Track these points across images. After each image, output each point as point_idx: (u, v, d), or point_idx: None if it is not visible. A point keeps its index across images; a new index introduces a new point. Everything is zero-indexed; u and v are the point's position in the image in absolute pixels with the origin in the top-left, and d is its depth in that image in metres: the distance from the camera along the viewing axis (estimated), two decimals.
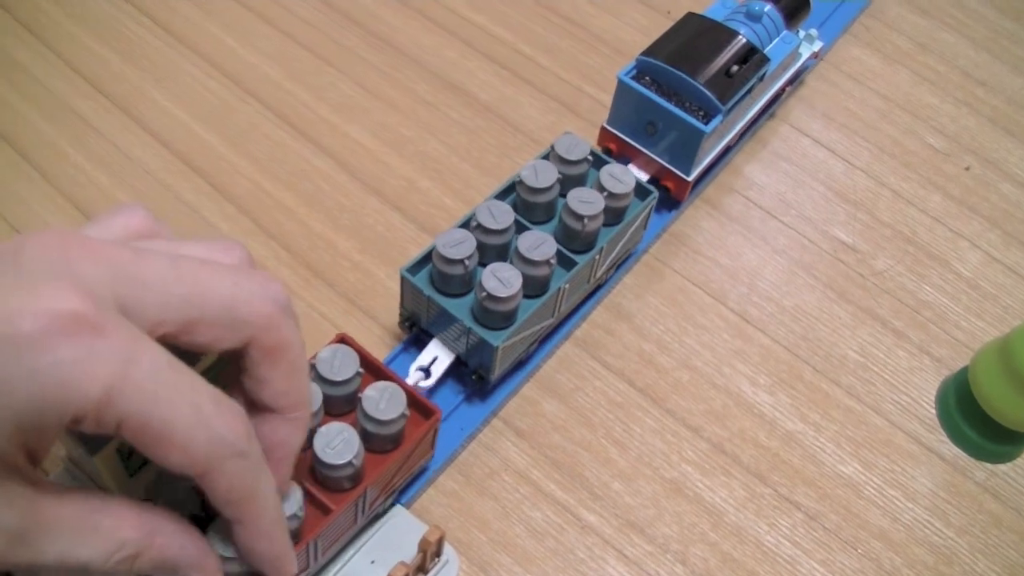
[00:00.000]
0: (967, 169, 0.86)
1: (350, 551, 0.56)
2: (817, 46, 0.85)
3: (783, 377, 0.70)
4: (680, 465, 0.65)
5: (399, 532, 0.57)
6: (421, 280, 0.62)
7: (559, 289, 0.63)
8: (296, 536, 0.50)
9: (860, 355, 0.72)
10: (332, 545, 0.55)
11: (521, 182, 0.65)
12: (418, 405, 0.56)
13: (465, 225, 0.63)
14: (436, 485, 0.62)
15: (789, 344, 0.72)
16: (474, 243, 0.61)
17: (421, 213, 0.75)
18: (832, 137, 0.86)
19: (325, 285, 0.70)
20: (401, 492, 0.59)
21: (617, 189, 0.65)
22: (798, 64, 0.83)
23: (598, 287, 0.71)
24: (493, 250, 0.63)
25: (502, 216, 0.63)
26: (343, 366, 0.55)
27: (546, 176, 0.65)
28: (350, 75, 0.83)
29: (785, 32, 0.78)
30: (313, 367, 0.55)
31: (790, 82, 0.83)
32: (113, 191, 0.73)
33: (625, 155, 0.75)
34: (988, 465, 0.69)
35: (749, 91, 0.73)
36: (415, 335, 0.66)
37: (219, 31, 0.85)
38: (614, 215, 0.66)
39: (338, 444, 0.51)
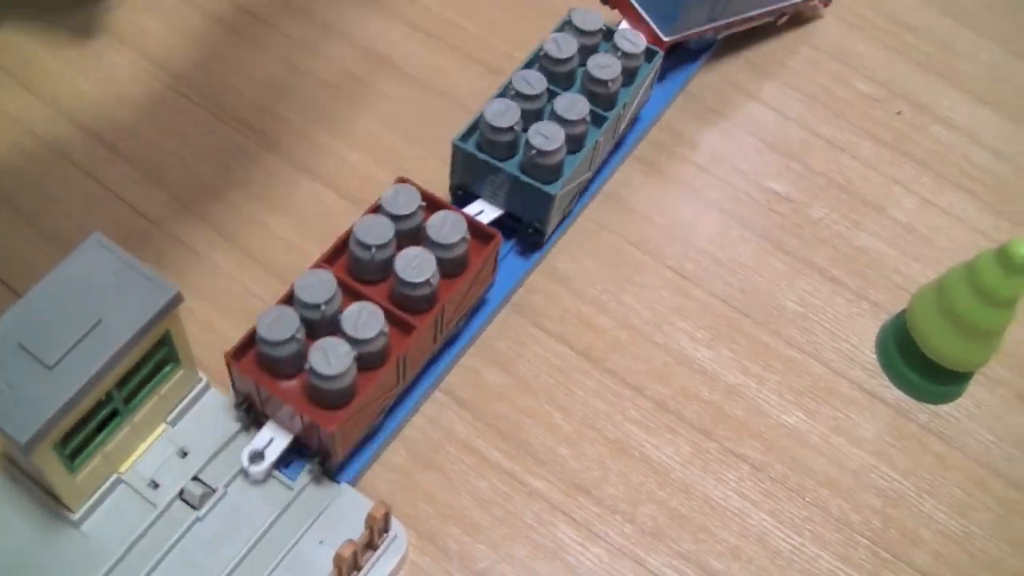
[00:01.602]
0: (899, 114, 0.86)
1: (298, 532, 0.56)
2: None
3: (722, 331, 0.70)
4: (624, 425, 0.65)
5: (346, 511, 0.57)
6: (471, 146, 0.67)
7: (595, 142, 0.69)
8: (384, 355, 0.56)
9: (799, 305, 0.73)
10: (416, 365, 0.60)
11: (545, 55, 0.71)
12: (478, 232, 0.62)
13: (502, 95, 0.69)
14: (381, 461, 0.61)
15: (727, 297, 0.72)
16: (518, 111, 0.66)
17: (354, 187, 0.74)
18: (763, 89, 0.86)
19: (258, 265, 0.69)
20: (342, 469, 0.59)
21: (631, 49, 0.72)
22: None
23: (587, 188, 0.75)
24: (531, 114, 0.68)
25: (537, 83, 0.68)
26: (407, 201, 0.61)
27: (568, 47, 0.71)
28: (275, 52, 0.82)
29: None
30: (380, 207, 0.60)
31: None
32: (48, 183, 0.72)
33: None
34: (931, 406, 0.70)
35: None
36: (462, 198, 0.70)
37: (142, 16, 0.83)
38: (627, 76, 0.73)
39: (417, 265, 0.57)
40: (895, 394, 0.70)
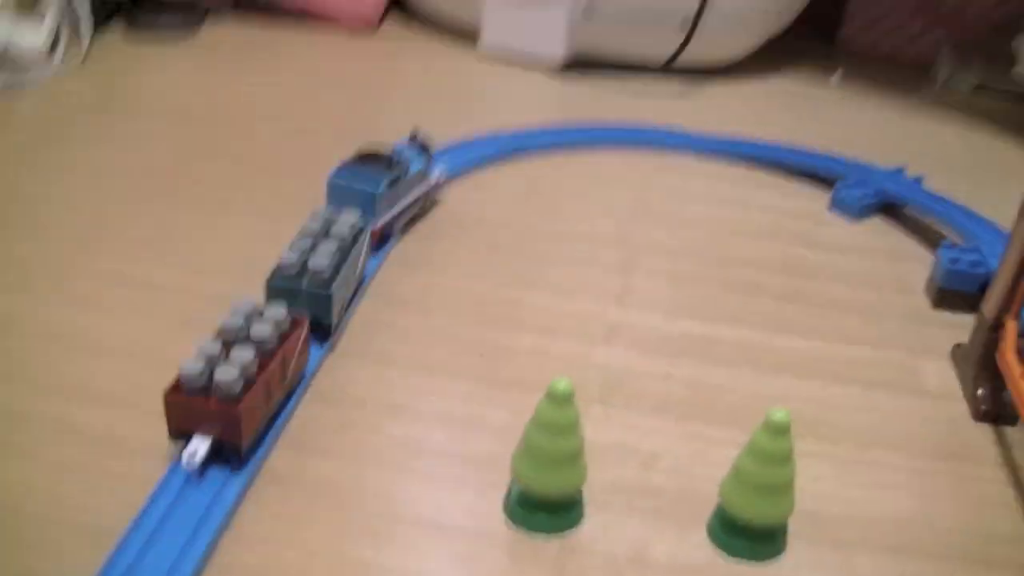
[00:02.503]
0: (481, 356, 1.09)
1: None
2: (443, 176, 1.35)
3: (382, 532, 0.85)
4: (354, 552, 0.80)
5: None
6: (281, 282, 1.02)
7: (345, 273, 1.05)
8: (265, 360, 0.86)
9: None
10: (279, 388, 0.90)
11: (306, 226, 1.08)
12: (293, 320, 0.93)
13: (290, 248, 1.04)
14: None
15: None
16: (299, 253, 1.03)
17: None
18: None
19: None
20: None
21: (353, 222, 1.09)
22: (432, 180, 1.32)
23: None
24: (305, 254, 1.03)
25: (305, 240, 1.06)
26: (246, 306, 0.92)
27: (317, 222, 1.08)
28: None
29: (422, 158, 1.27)
30: (233, 307, 0.90)
31: (426, 193, 1.30)
32: None
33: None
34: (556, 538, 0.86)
35: (398, 178, 1.20)
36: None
37: None
38: (355, 236, 1.09)
39: (269, 322, 0.88)
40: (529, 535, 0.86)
